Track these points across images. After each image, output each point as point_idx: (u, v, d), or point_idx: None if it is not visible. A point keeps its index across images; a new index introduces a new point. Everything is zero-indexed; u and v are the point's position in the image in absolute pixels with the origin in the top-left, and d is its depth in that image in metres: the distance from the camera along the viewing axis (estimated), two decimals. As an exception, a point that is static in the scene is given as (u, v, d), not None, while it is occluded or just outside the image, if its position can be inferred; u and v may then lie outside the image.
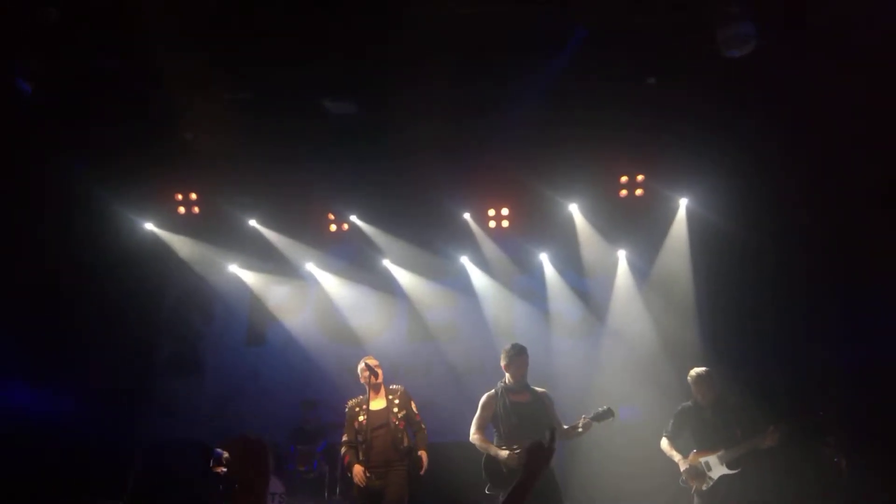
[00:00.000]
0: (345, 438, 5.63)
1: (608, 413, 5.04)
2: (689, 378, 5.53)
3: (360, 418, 5.50)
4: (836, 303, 7.01)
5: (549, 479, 5.01)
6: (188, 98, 6.82)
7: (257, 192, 8.19)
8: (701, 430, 5.40)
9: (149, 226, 8.46)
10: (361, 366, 5.66)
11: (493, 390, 5.33)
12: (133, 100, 6.90)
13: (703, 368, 5.51)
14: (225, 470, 1.83)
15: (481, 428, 5.23)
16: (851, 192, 6.67)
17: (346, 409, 5.66)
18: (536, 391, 5.30)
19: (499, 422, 5.18)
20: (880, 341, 6.77)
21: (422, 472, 5.46)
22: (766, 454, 5.23)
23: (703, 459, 5.30)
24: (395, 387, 5.70)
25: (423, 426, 5.63)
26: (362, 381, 5.65)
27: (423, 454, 5.49)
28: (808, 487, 6.23)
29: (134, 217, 8.32)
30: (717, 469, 5.23)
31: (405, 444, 5.49)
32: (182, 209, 8.46)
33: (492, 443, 5.16)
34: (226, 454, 1.94)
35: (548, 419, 5.12)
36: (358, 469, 5.39)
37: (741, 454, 5.18)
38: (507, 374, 5.29)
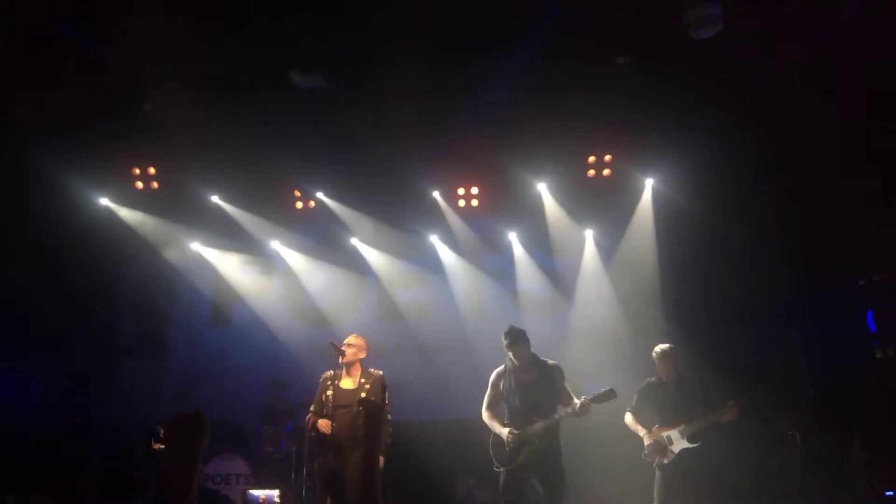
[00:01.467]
0: (312, 408, 5.39)
1: (610, 394, 4.96)
2: (653, 354, 5.63)
3: (328, 392, 5.29)
4: (802, 282, 7.20)
5: (554, 460, 5.02)
6: (148, 67, 6.54)
7: (220, 166, 7.93)
8: (663, 405, 5.52)
9: (104, 201, 8.15)
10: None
11: (502, 367, 5.30)
12: (89, 67, 6.59)
13: (668, 345, 5.61)
14: (162, 447, 1.77)
15: (492, 406, 5.27)
16: (818, 172, 6.82)
17: (320, 380, 5.44)
18: (546, 365, 5.22)
19: (506, 400, 5.20)
20: (844, 321, 7.01)
21: None
22: (725, 428, 5.38)
23: (664, 434, 5.42)
24: (373, 370, 5.39)
25: (388, 417, 5.29)
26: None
27: (380, 460, 5.07)
28: (765, 460, 6.45)
29: (88, 191, 7.99)
30: (679, 443, 5.36)
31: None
32: (140, 184, 8.16)
33: (499, 420, 5.20)
34: (162, 431, 1.87)
35: (554, 396, 5.08)
36: (324, 421, 5.15)
37: (701, 428, 5.31)
38: (510, 355, 5.22)
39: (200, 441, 1.69)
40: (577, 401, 4.92)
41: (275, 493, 6.89)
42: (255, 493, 6.89)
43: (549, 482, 4.95)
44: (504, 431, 5.06)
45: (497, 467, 5.11)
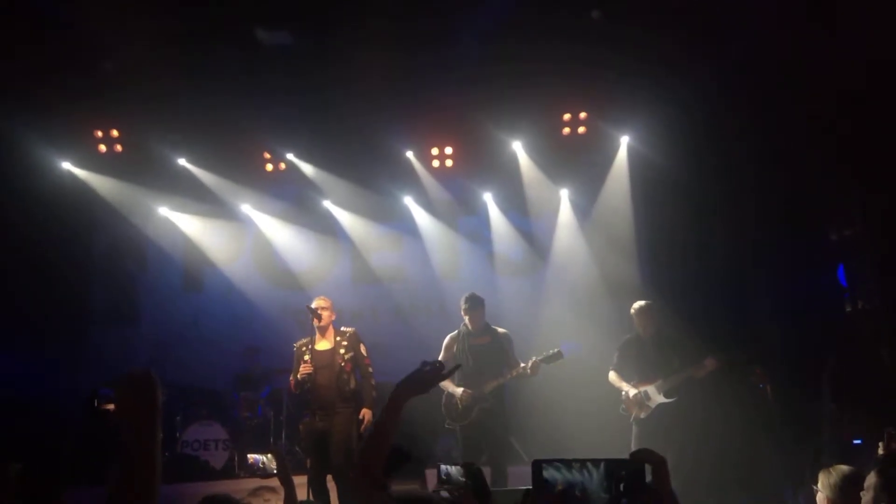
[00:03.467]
0: (291, 377, 5.54)
1: (557, 355, 5.34)
2: (631, 311, 5.70)
3: (306, 358, 5.40)
4: (775, 237, 7.25)
5: (501, 420, 5.46)
6: (107, 23, 6.24)
7: (186, 128, 7.69)
8: (641, 360, 5.59)
9: (66, 165, 7.86)
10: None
11: (456, 331, 5.69)
12: (44, 23, 6.27)
13: (645, 302, 5.69)
14: (113, 407, 1.69)
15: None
16: (795, 130, 6.80)
17: (294, 350, 5.57)
18: (497, 333, 5.63)
19: (459, 363, 5.46)
20: (815, 276, 7.10)
21: (361, 430, 5.32)
22: (700, 383, 5.47)
23: (642, 389, 5.49)
24: (345, 329, 5.58)
25: (370, 370, 5.48)
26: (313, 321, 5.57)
27: (366, 413, 5.34)
28: (737, 412, 6.58)
29: (48, 156, 7.68)
30: (656, 398, 5.44)
31: (351, 386, 5.37)
32: (103, 147, 7.86)
33: (452, 381, 5.55)
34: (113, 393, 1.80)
35: (505, 360, 5.50)
36: (304, 366, 5.32)
37: (678, 383, 5.39)
38: (466, 319, 5.60)
39: (153, 401, 1.59)
40: (523, 364, 5.36)
41: (266, 457, 6.89)
42: (251, 456, 6.89)
43: (497, 442, 5.39)
44: (458, 391, 5.49)
45: (448, 424, 5.57)
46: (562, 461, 1.10)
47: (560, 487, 1.09)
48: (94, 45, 6.71)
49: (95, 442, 7.07)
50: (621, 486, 1.06)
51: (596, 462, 1.07)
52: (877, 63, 5.86)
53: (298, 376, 5.35)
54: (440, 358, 5.57)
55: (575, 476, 1.08)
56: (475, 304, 5.57)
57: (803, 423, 6.62)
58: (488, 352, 5.50)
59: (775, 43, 6.31)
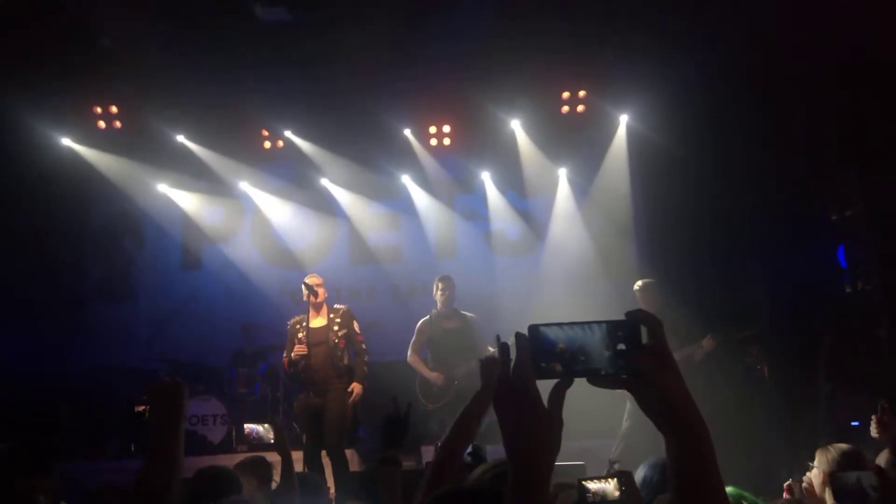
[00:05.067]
0: (285, 355, 5.60)
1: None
2: (635, 288, 5.77)
3: (300, 335, 5.46)
4: (773, 218, 7.19)
5: (471, 396, 5.51)
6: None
7: (184, 105, 7.66)
8: (642, 337, 5.59)
9: (66, 142, 7.87)
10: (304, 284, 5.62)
11: (427, 316, 5.94)
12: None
13: (649, 279, 5.76)
14: (145, 408, 1.80)
15: (417, 351, 5.95)
16: (793, 109, 6.72)
17: (288, 328, 5.64)
18: (466, 317, 5.86)
19: (431, 346, 5.88)
20: (813, 256, 7.06)
21: (350, 402, 5.36)
22: (697, 362, 5.46)
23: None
24: (338, 306, 5.67)
25: (363, 347, 5.54)
26: (304, 299, 5.60)
27: (356, 387, 5.38)
28: (734, 392, 6.58)
29: (48, 132, 7.69)
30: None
31: (345, 362, 5.45)
32: (102, 123, 7.88)
33: (425, 363, 5.90)
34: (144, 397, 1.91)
35: (472, 344, 5.75)
36: (298, 347, 5.39)
37: (677, 361, 5.39)
38: (438, 302, 5.86)
39: (182, 406, 1.71)
40: (492, 349, 5.44)
41: (263, 426, 6.91)
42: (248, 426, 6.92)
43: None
44: (433, 375, 5.79)
45: (425, 406, 5.85)
46: (561, 323, 1.09)
47: (561, 346, 1.08)
48: (93, 21, 6.68)
49: (90, 419, 7.16)
50: (618, 346, 1.06)
51: (599, 322, 1.06)
52: (878, 38, 5.78)
53: (293, 356, 5.39)
54: (412, 341, 5.90)
55: (576, 332, 1.07)
56: (451, 284, 5.80)
57: (800, 404, 6.62)
58: (458, 335, 5.77)
59: (775, 19, 6.22)
